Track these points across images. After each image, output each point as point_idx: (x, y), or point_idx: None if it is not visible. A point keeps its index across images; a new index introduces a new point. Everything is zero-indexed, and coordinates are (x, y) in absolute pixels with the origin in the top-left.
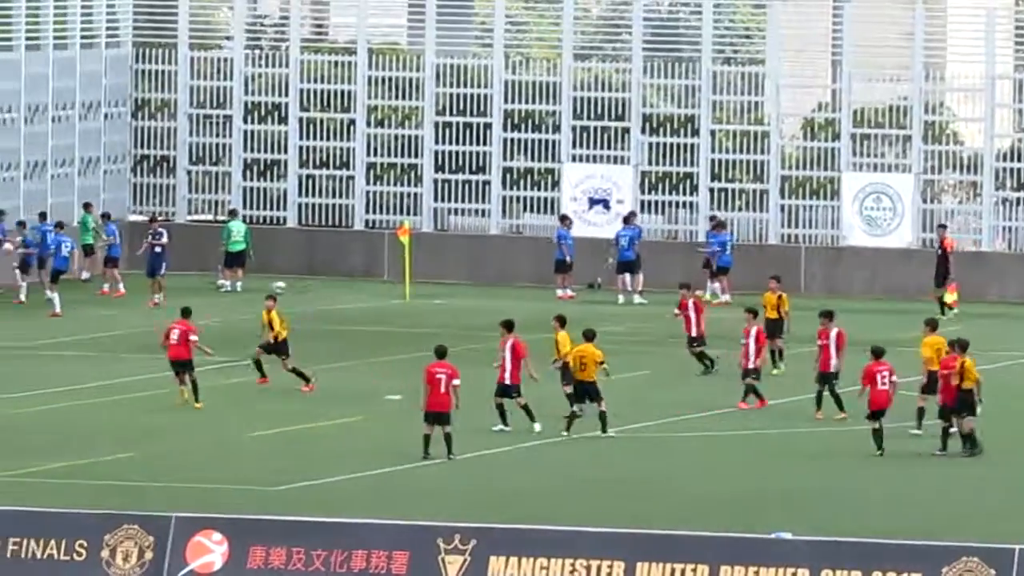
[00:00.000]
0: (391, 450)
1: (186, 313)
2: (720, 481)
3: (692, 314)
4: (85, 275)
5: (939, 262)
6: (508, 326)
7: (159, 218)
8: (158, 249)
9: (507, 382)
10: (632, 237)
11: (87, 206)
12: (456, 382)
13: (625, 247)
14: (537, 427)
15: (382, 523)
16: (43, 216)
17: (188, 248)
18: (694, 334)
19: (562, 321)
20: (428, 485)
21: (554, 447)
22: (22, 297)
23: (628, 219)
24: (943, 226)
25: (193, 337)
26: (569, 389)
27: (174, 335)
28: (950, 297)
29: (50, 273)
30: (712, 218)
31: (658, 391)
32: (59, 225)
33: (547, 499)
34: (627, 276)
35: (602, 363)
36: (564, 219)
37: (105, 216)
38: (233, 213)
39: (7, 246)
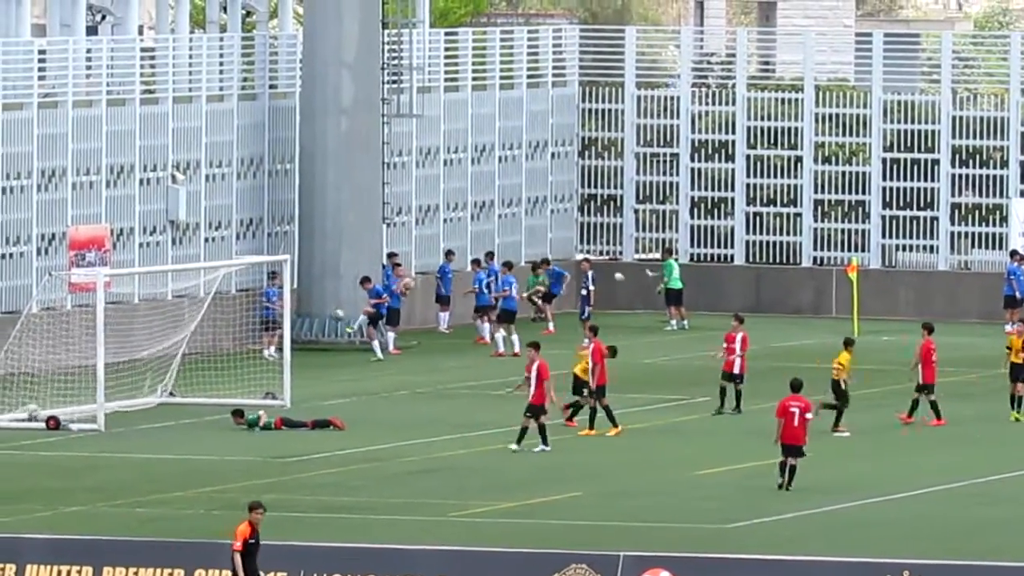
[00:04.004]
0: (838, 486)
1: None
2: None
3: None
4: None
5: None
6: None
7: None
8: (583, 292)
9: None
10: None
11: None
12: (809, 415)
13: None
14: (539, 448)
15: (830, 560)
16: (491, 256)
17: (633, 287)
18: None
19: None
20: (877, 519)
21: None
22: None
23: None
24: None
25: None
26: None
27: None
28: None
29: (498, 313)
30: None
31: None
32: (507, 265)
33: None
34: None
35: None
36: (1015, 255)
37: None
38: (669, 251)
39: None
